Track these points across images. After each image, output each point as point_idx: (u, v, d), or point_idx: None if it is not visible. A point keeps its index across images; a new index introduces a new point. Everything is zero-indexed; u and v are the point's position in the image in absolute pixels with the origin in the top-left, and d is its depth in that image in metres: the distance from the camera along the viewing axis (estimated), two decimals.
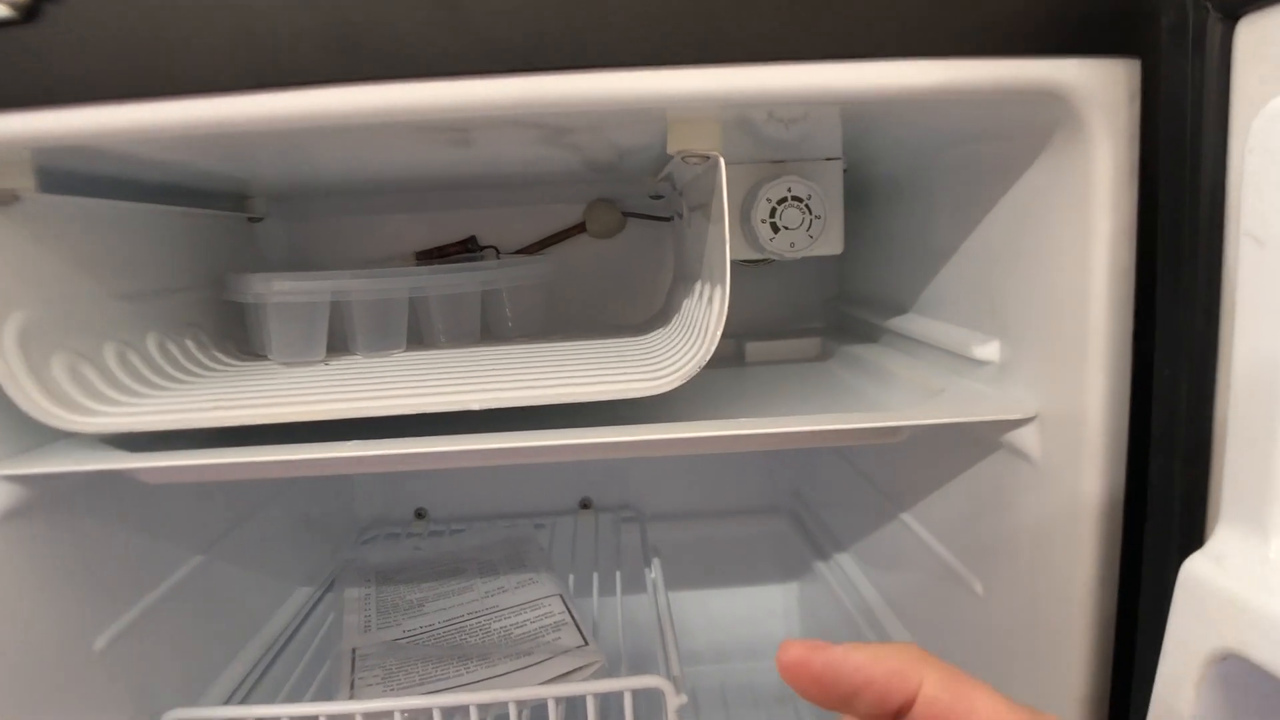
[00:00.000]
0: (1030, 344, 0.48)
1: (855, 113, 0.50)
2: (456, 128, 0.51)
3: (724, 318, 0.45)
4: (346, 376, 0.59)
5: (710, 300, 0.48)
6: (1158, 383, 0.38)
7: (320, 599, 0.91)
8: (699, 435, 0.44)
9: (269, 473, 0.47)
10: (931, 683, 0.27)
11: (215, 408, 0.49)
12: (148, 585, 0.64)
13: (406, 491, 1.07)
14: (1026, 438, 0.48)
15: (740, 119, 0.48)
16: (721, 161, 0.46)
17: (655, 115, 0.44)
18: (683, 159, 0.46)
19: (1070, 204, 0.43)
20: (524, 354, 0.62)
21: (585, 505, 1.08)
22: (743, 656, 1.10)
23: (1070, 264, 0.44)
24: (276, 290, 0.63)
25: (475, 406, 0.45)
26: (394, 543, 1.03)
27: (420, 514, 1.08)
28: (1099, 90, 0.41)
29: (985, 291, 0.53)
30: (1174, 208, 0.36)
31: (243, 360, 0.69)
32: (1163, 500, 0.38)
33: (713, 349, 0.45)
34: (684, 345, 0.51)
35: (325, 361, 0.65)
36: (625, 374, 0.50)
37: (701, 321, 0.49)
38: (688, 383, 0.46)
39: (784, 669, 0.29)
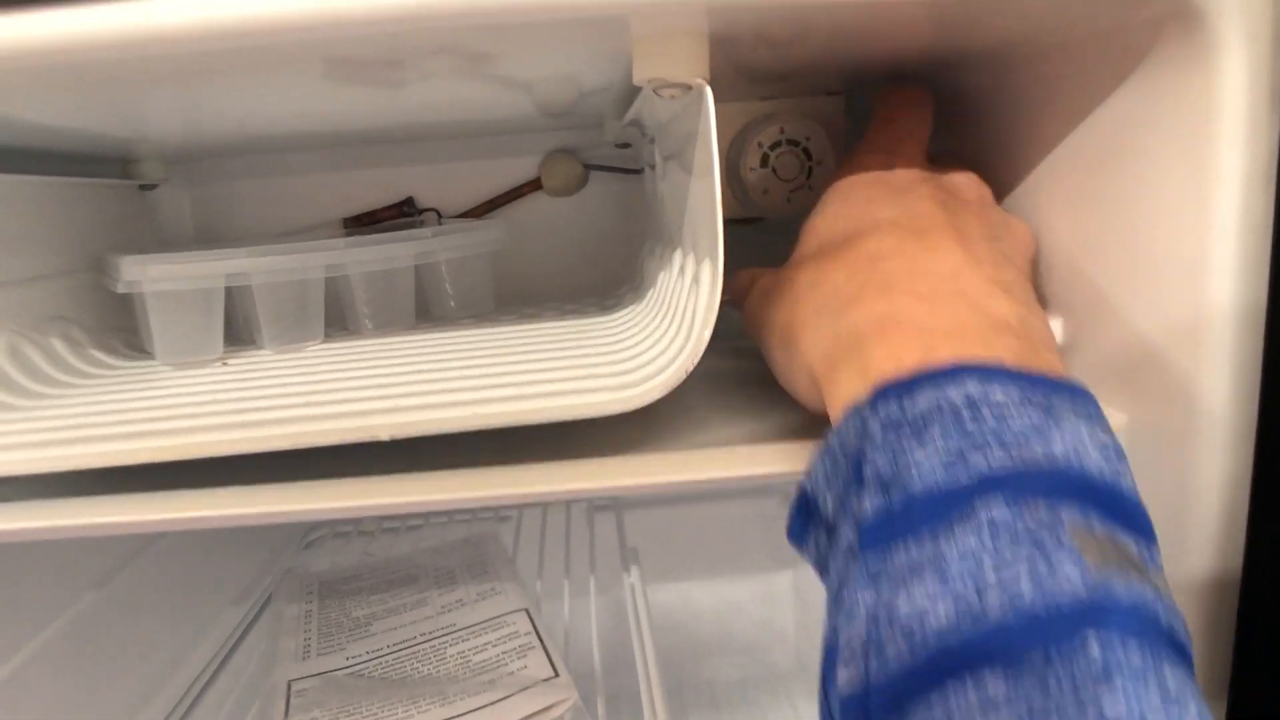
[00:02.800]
0: (1111, 326, 0.37)
1: (870, 28, 0.38)
2: (350, 60, 0.39)
3: (716, 305, 0.34)
4: (244, 383, 0.47)
5: (697, 279, 0.37)
6: None
7: (255, 619, 0.80)
8: (690, 478, 0.33)
9: (122, 530, 0.36)
10: None
11: (48, 441, 0.38)
12: (18, 639, 0.53)
13: None
14: None
15: (724, 40, 0.37)
16: (708, 92, 0.34)
17: (614, 30, 0.32)
18: (655, 91, 0.34)
19: (1181, 137, 0.32)
20: (466, 343, 0.50)
21: None
22: (734, 651, 1.01)
23: (1179, 217, 0.32)
24: (153, 277, 0.50)
25: (384, 437, 0.34)
26: (343, 544, 0.92)
27: None
28: None
29: (1041, 254, 0.42)
30: None
31: (127, 361, 0.57)
32: None
33: (701, 349, 0.34)
34: (663, 335, 0.40)
35: (223, 361, 0.53)
36: (588, 377, 0.38)
37: (685, 307, 0.38)
38: None
39: None
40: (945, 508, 0.26)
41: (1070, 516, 0.25)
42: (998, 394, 0.28)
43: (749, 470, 0.35)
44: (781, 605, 1.01)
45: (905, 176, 0.40)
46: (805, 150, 0.54)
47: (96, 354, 0.56)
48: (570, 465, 0.36)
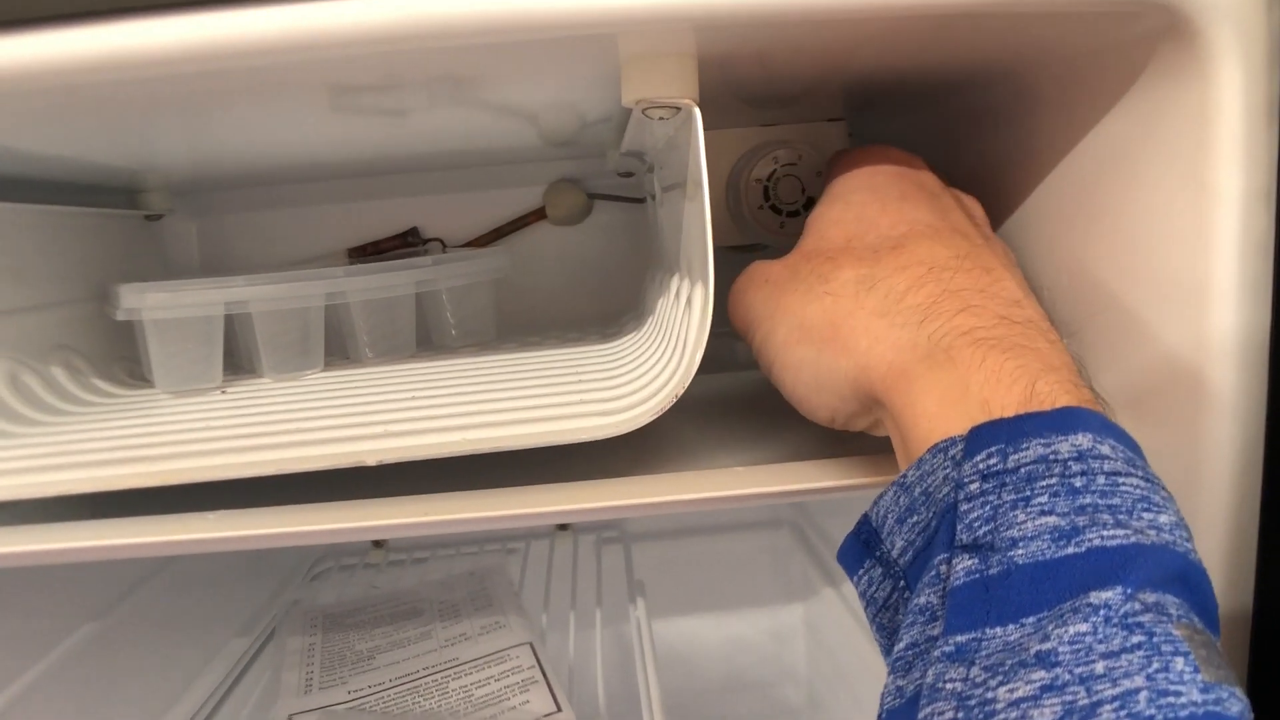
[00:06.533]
0: (1113, 346, 0.37)
1: (859, 46, 0.38)
2: (350, 86, 0.39)
3: (707, 329, 0.33)
4: (240, 410, 0.47)
5: (689, 301, 0.36)
6: None
7: (259, 652, 0.79)
8: (680, 498, 0.33)
9: (110, 554, 0.35)
10: None
11: (41, 467, 0.37)
12: (14, 669, 0.53)
13: None
14: None
15: (719, 62, 0.36)
16: (697, 112, 0.33)
17: (603, 50, 0.32)
18: (644, 112, 0.34)
19: (1178, 155, 0.31)
20: (464, 371, 0.50)
21: (563, 526, 0.96)
22: (745, 688, 0.99)
23: (1179, 237, 0.32)
24: (152, 304, 0.50)
25: (371, 462, 0.33)
26: (348, 577, 0.92)
27: (378, 542, 0.96)
28: None
29: (1042, 278, 0.42)
30: None
31: (127, 389, 0.56)
32: None
33: (691, 373, 0.33)
34: (657, 360, 0.39)
35: (222, 389, 0.53)
36: (579, 403, 0.38)
37: (678, 330, 0.37)
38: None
39: None
40: (1053, 587, 0.24)
41: (1175, 605, 0.23)
42: (1106, 449, 0.25)
43: (740, 490, 0.34)
44: (792, 641, 1.00)
45: (930, 180, 0.38)
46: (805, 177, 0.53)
47: (97, 382, 0.56)
48: (559, 488, 0.36)
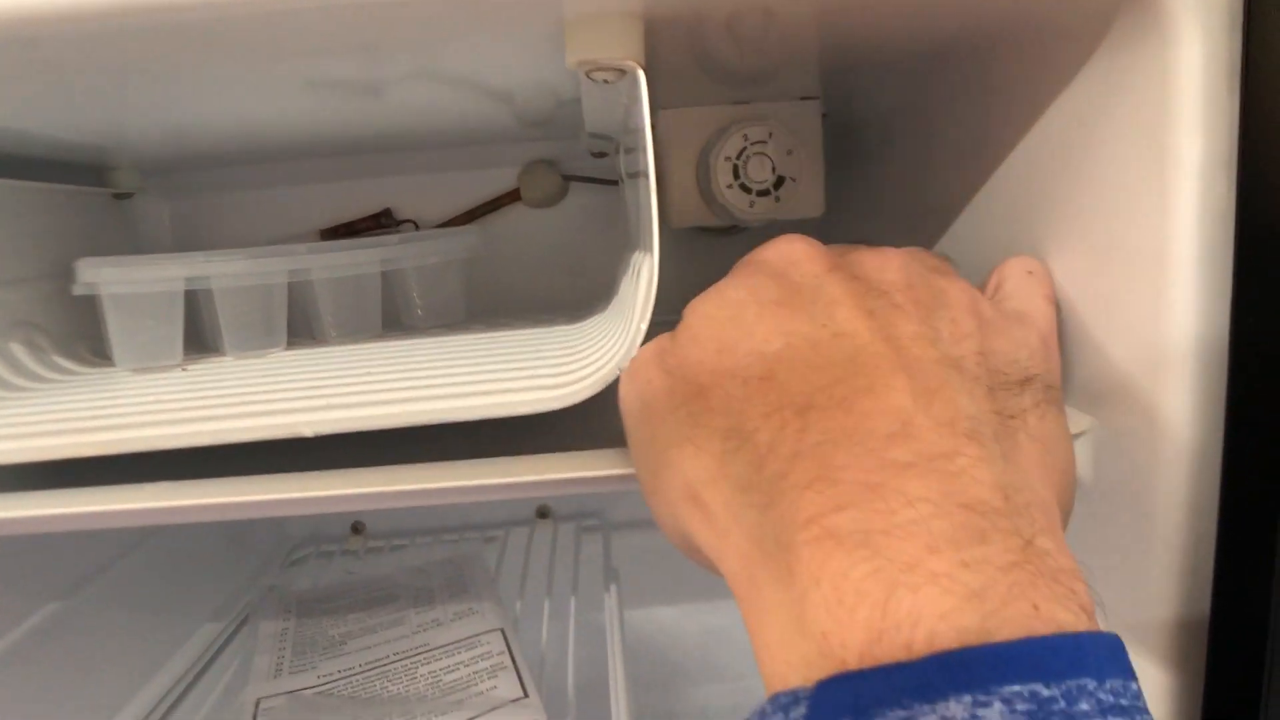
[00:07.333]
0: (1074, 329, 0.36)
1: (835, 23, 0.37)
2: (303, 50, 0.38)
3: (651, 303, 0.32)
4: (195, 386, 0.46)
5: (639, 273, 0.36)
6: None
7: (232, 636, 0.78)
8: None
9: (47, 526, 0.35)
10: None
11: None
12: None
13: None
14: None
15: (686, 29, 0.35)
16: (641, 76, 0.32)
17: (546, 9, 0.31)
18: (588, 75, 0.33)
19: (1139, 123, 0.30)
20: (424, 350, 0.49)
21: (543, 514, 0.95)
22: (719, 679, 0.98)
23: (1139, 207, 0.31)
24: (109, 279, 0.49)
25: (308, 433, 0.32)
26: (326, 563, 0.91)
27: (357, 529, 0.96)
28: None
29: (1008, 256, 0.41)
30: None
31: (88, 367, 0.56)
32: None
33: (635, 345, 0.32)
34: (610, 337, 0.38)
35: (183, 366, 0.52)
36: (530, 377, 0.37)
37: (629, 305, 0.36)
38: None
39: None
40: None
41: None
42: (994, 713, 0.19)
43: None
44: None
45: (810, 268, 0.30)
46: (776, 155, 0.52)
47: (59, 360, 0.55)
48: (523, 460, 0.35)
